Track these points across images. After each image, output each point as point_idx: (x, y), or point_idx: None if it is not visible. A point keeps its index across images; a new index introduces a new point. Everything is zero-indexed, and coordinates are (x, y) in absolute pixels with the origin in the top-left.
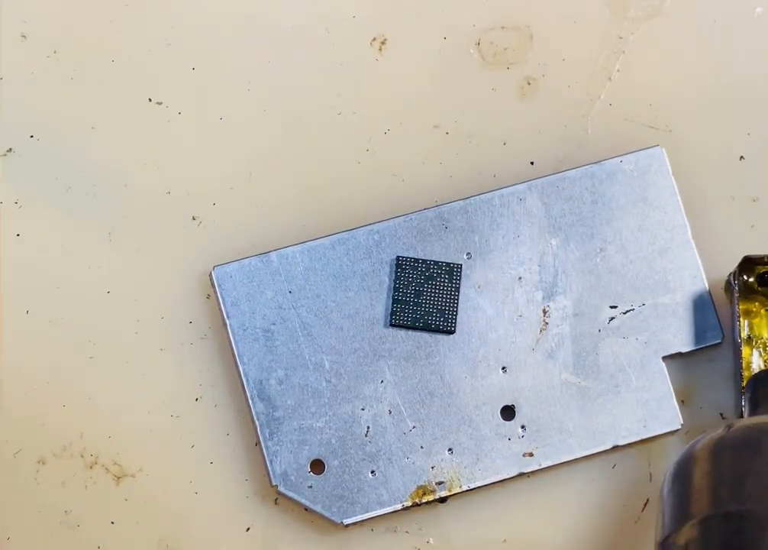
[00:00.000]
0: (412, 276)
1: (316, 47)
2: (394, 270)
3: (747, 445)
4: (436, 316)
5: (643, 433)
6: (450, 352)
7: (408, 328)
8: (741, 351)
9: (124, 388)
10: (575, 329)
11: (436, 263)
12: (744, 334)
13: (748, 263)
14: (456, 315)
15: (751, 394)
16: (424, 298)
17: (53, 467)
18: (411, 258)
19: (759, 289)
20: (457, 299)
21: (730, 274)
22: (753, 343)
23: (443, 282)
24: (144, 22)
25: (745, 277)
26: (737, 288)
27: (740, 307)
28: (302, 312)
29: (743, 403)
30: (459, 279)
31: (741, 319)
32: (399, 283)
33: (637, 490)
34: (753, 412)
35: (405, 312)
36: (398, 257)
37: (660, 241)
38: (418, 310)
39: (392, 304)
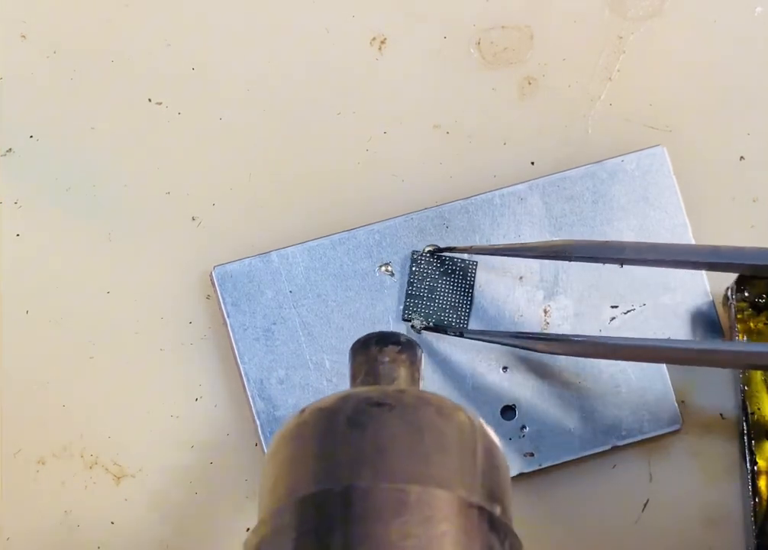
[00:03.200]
0: (427, 272)
1: (316, 47)
2: (409, 264)
3: (317, 428)
4: (449, 313)
5: (644, 433)
6: (451, 351)
7: (419, 329)
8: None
9: (124, 388)
10: (576, 329)
11: (451, 259)
12: None
13: (745, 278)
14: (469, 314)
15: (350, 366)
16: (437, 294)
17: (53, 467)
18: (426, 253)
19: (755, 309)
20: (471, 297)
21: (727, 289)
22: None
23: (458, 279)
24: (144, 22)
25: (745, 293)
26: (734, 304)
27: (739, 324)
28: (303, 311)
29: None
30: (474, 277)
31: (740, 335)
32: (414, 277)
33: (637, 490)
34: (352, 384)
35: (419, 308)
36: (413, 251)
37: (661, 241)
38: (432, 306)
39: (406, 299)
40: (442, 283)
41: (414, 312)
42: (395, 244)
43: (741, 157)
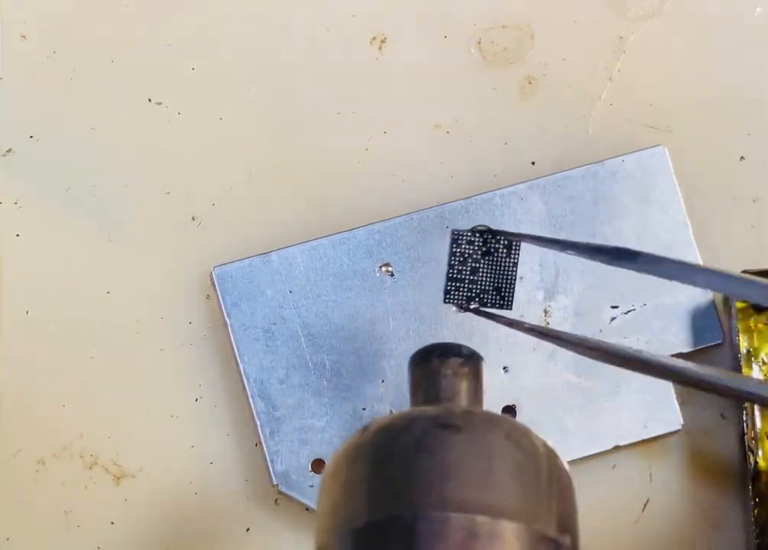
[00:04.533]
0: (468, 252)
1: (315, 46)
2: (449, 245)
3: (381, 450)
4: (492, 294)
5: (644, 434)
6: None
7: (464, 306)
8: (741, 366)
9: (124, 388)
10: (576, 329)
11: (494, 236)
12: (744, 348)
13: None
14: (513, 292)
15: (410, 379)
16: (480, 275)
17: (52, 467)
18: (467, 232)
19: (755, 308)
20: (515, 276)
21: None
22: (753, 358)
23: (501, 258)
24: (144, 22)
25: None
26: (735, 303)
27: (739, 323)
28: (303, 311)
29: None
30: (519, 255)
31: (741, 335)
32: (455, 259)
33: (637, 490)
34: (413, 398)
35: (460, 291)
36: (453, 230)
37: (662, 241)
38: (474, 288)
39: (447, 282)
40: (484, 264)
41: (456, 295)
42: (396, 244)
43: (741, 157)
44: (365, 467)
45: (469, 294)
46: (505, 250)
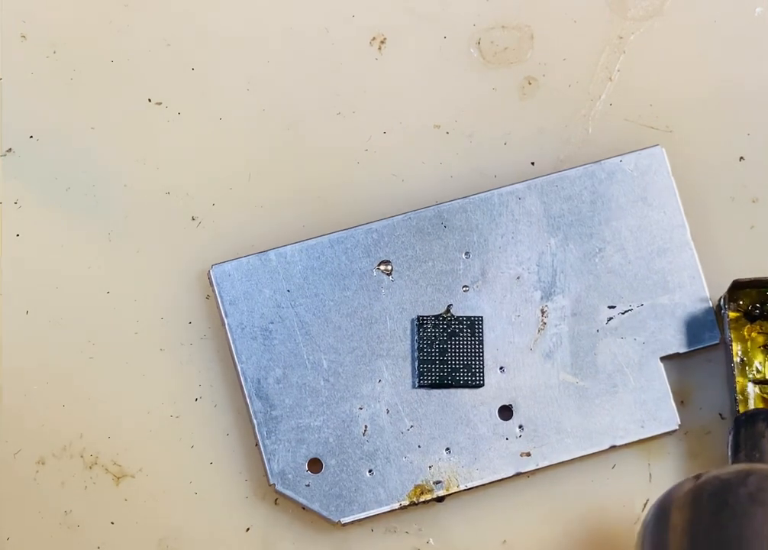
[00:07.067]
0: (434, 335)
1: (315, 47)
2: (416, 330)
3: (716, 499)
4: (463, 372)
5: (641, 433)
6: None
7: (436, 386)
8: (735, 375)
9: (124, 388)
10: (573, 329)
11: (456, 318)
12: (737, 357)
13: (738, 287)
14: (483, 369)
15: (733, 437)
16: (449, 355)
17: (52, 467)
18: (431, 316)
19: (749, 318)
20: (482, 352)
21: (720, 298)
22: (747, 367)
23: (466, 337)
24: (144, 22)
25: (739, 302)
26: (728, 314)
27: (732, 332)
28: (300, 310)
29: (727, 445)
30: (482, 332)
31: (734, 344)
32: (422, 342)
33: (637, 490)
34: (734, 456)
35: (432, 372)
36: (418, 316)
37: (659, 242)
38: (445, 368)
39: (419, 365)
40: (452, 344)
41: (429, 376)
42: (394, 243)
43: (741, 157)
44: (698, 514)
45: (441, 374)
46: (468, 330)
